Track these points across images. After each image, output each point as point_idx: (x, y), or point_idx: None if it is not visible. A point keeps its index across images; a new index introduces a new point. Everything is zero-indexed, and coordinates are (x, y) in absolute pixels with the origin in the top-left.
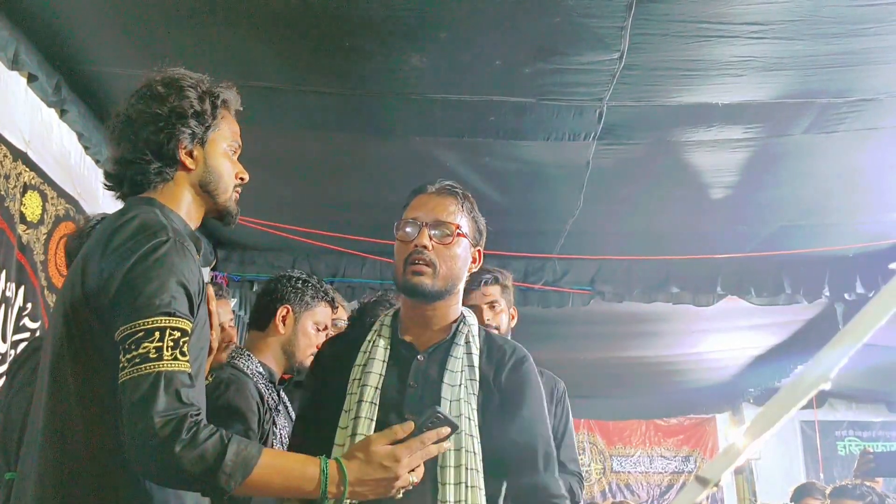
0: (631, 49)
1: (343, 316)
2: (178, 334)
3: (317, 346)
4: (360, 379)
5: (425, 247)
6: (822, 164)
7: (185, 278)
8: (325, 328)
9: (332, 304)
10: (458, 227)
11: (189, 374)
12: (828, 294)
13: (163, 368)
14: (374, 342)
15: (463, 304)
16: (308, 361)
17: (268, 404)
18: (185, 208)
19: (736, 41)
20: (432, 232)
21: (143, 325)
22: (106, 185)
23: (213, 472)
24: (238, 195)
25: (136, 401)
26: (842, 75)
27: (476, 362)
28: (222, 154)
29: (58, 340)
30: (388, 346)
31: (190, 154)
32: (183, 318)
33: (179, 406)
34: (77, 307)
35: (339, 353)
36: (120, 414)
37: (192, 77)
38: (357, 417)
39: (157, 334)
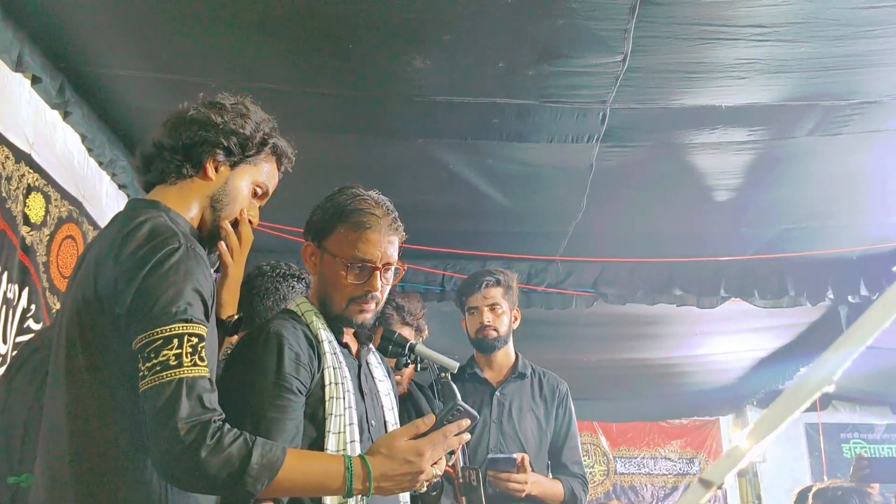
0: (634, 51)
1: None
2: (195, 340)
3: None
4: (341, 384)
5: (377, 290)
6: (826, 166)
7: (200, 284)
8: None
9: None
10: (404, 268)
11: (209, 379)
12: (831, 296)
13: (184, 375)
14: (332, 343)
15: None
16: None
17: None
18: (192, 215)
19: (739, 43)
20: (384, 276)
21: (162, 332)
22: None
23: (239, 476)
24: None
25: (159, 408)
26: (845, 78)
27: (387, 374)
28: (246, 186)
29: (70, 346)
30: (341, 353)
31: (216, 168)
32: (199, 323)
33: (202, 411)
34: (91, 312)
35: (310, 354)
36: (139, 419)
37: (262, 114)
38: (351, 424)
39: (175, 341)
